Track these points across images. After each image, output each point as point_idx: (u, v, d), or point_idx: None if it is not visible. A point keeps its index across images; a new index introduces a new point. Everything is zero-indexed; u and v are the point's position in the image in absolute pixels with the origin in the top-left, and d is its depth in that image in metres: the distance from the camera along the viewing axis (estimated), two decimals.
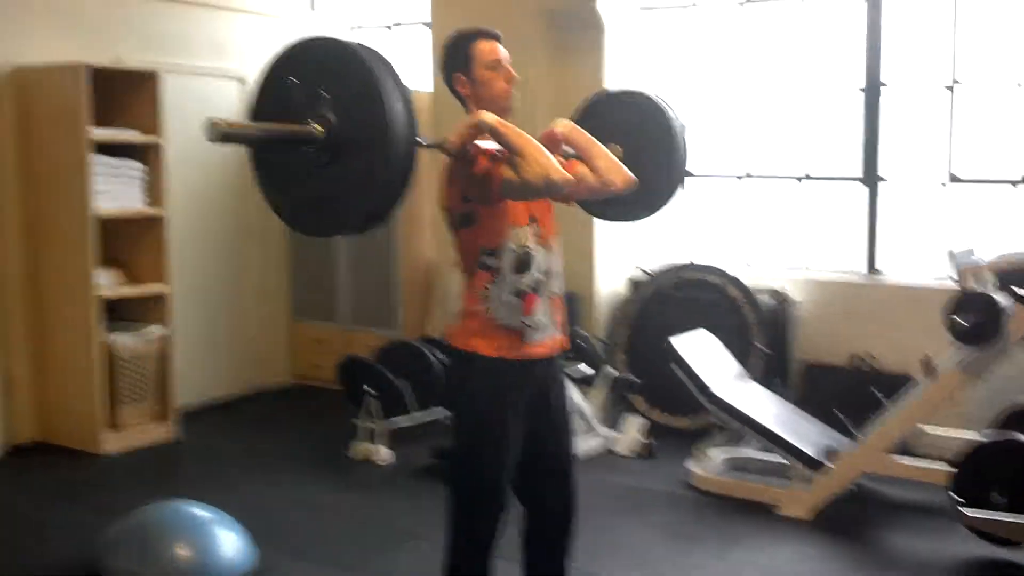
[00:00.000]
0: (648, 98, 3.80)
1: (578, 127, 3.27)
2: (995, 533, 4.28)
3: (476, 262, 3.11)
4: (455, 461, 3.28)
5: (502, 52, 3.19)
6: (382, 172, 2.72)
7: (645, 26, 6.96)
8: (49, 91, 5.87)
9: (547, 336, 3.22)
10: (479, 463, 3.18)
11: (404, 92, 2.73)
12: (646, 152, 3.65)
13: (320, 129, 2.73)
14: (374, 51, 2.78)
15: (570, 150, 3.24)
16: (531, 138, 2.99)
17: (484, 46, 3.17)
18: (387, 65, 2.75)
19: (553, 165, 2.95)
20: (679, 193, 3.90)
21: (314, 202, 2.85)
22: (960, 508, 3.92)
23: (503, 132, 2.97)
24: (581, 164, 3.21)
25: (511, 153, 2.96)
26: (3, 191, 5.93)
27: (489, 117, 2.99)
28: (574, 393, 5.78)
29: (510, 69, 3.19)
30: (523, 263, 3.13)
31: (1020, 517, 3.94)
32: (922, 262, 6.19)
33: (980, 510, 4.24)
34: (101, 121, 5.86)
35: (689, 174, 3.86)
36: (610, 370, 6.08)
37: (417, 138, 2.77)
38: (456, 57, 3.19)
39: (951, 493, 3.99)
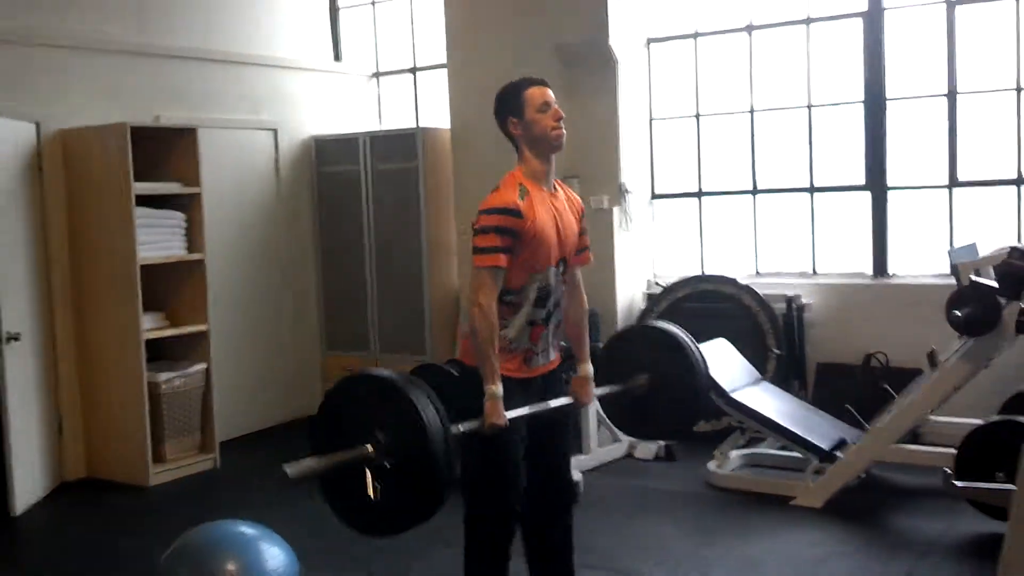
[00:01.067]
0: (668, 332, 4.06)
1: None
2: (987, 502, 4.47)
3: (498, 299, 3.46)
4: (473, 462, 3.57)
5: (551, 96, 3.58)
6: (429, 473, 3.10)
7: (654, 57, 7.28)
8: (94, 150, 6.27)
9: (548, 358, 3.66)
10: (494, 462, 3.51)
11: (435, 405, 3.12)
12: (669, 383, 3.96)
13: (372, 449, 3.14)
14: (407, 377, 3.23)
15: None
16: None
17: (534, 91, 3.57)
18: (419, 386, 3.16)
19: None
20: (703, 418, 4.33)
21: (378, 506, 3.20)
22: (951, 481, 4.13)
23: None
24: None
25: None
26: (52, 245, 6.33)
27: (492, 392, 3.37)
28: (598, 405, 6.05)
29: (558, 110, 3.56)
30: (542, 299, 3.55)
31: (1004, 485, 4.13)
32: (929, 262, 6.40)
33: (972, 483, 4.44)
34: (143, 176, 6.25)
35: (709, 405, 4.40)
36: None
37: (455, 430, 3.20)
38: (509, 103, 3.59)
39: (944, 469, 4.20)
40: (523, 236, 3.43)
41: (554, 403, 3.64)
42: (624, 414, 4.14)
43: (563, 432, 3.82)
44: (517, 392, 3.51)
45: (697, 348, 4.03)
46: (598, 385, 3.86)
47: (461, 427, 3.28)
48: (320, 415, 3.35)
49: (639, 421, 4.12)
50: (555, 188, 3.62)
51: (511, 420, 3.42)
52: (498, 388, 3.37)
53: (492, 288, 3.41)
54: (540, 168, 3.54)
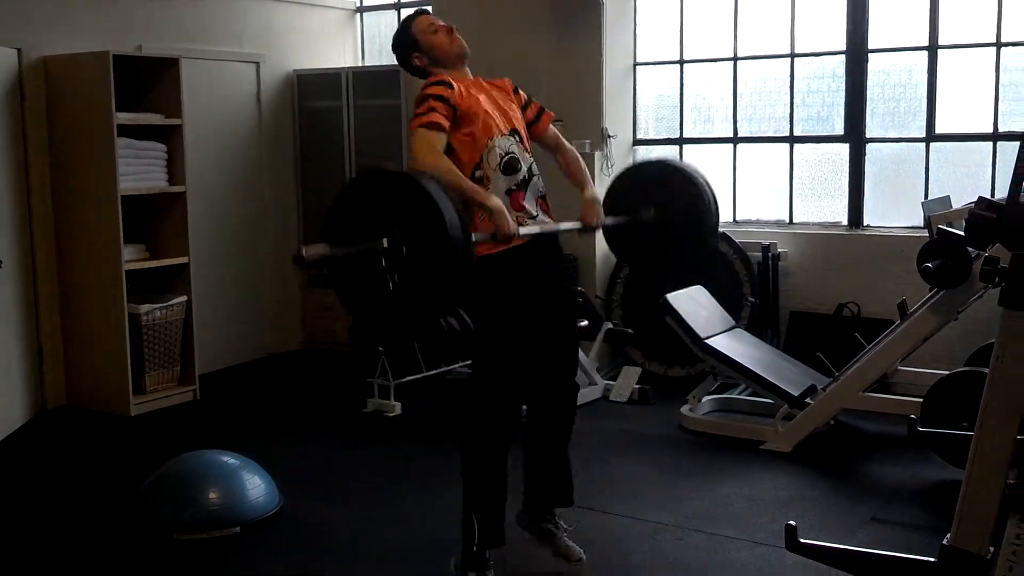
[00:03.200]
0: (679, 168, 4.11)
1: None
2: (949, 448, 4.62)
3: (469, 177, 3.54)
4: (477, 347, 3.70)
5: (434, 19, 3.80)
6: (444, 272, 3.07)
7: (640, 1, 7.28)
8: (76, 79, 6.24)
9: (537, 223, 3.68)
10: (498, 342, 3.62)
11: (455, 202, 3.10)
12: (678, 219, 3.96)
13: (387, 244, 3.08)
14: (426, 174, 3.20)
15: None
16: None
17: (420, 20, 3.79)
18: (439, 183, 3.12)
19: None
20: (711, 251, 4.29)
21: (388, 306, 3.18)
22: (916, 427, 4.25)
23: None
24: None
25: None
26: (34, 174, 6.32)
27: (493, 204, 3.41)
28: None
29: (446, 25, 3.76)
30: (510, 166, 3.64)
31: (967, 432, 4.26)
32: (904, 215, 6.49)
33: (935, 429, 4.57)
34: (125, 106, 6.23)
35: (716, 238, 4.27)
36: (607, 324, 6.45)
37: (471, 237, 3.15)
38: (403, 42, 3.80)
39: (910, 416, 4.32)
40: (460, 106, 3.55)
41: (564, 225, 3.71)
42: (629, 247, 4.13)
43: (572, 332, 3.88)
44: (512, 264, 3.57)
45: (707, 183, 4.02)
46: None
47: (474, 236, 3.23)
48: (334, 210, 3.27)
49: (643, 253, 4.12)
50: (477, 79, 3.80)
51: (514, 293, 3.56)
52: (495, 200, 3.43)
53: (432, 147, 3.45)
54: (456, 72, 3.70)
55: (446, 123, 3.51)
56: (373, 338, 5.91)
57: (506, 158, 3.61)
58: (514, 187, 3.62)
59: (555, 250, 3.84)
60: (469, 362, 3.62)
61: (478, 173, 3.58)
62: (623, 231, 4.01)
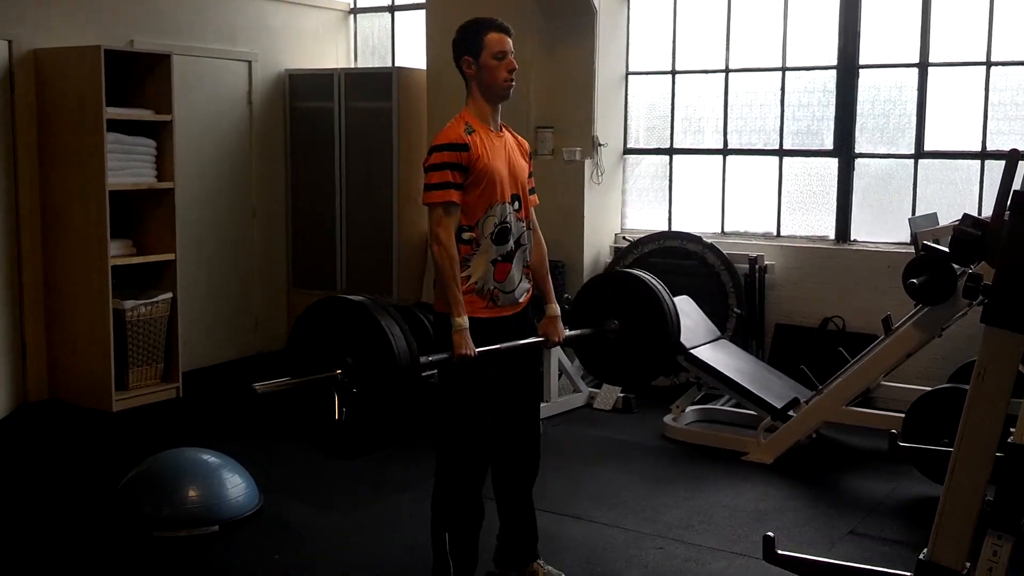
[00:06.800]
0: (642, 281, 4.10)
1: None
2: (929, 464, 4.63)
3: (456, 237, 3.53)
4: (446, 402, 3.65)
5: (509, 45, 3.62)
6: (393, 397, 3.22)
7: (633, 12, 7.31)
8: (67, 73, 6.22)
9: (518, 296, 3.69)
10: (466, 401, 3.60)
11: (405, 332, 3.20)
12: (640, 330, 4.02)
13: (341, 373, 3.25)
14: (376, 301, 3.30)
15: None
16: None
17: (495, 37, 3.60)
18: (389, 311, 3.25)
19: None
20: (669, 365, 4.41)
21: (344, 429, 3.31)
22: (896, 442, 4.25)
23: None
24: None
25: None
26: (22, 167, 6.28)
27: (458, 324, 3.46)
28: (559, 353, 6.15)
29: (513, 61, 3.62)
30: (502, 235, 3.60)
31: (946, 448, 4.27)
32: (891, 230, 6.51)
33: (916, 444, 4.58)
34: (116, 101, 6.22)
35: (677, 350, 4.43)
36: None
37: (421, 362, 3.26)
38: (468, 41, 3.62)
39: (891, 431, 4.32)
40: (472, 169, 3.50)
41: (523, 342, 3.71)
42: (594, 358, 4.21)
43: (535, 403, 3.89)
44: (487, 332, 3.56)
45: (670, 299, 4.08)
46: (572, 328, 3.95)
47: (430, 357, 3.37)
48: (293, 338, 3.44)
49: (608, 366, 4.19)
50: (501, 129, 3.70)
51: (481, 361, 3.49)
52: (463, 320, 3.45)
53: (449, 223, 3.49)
54: (487, 110, 3.63)
55: (459, 197, 3.50)
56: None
57: (498, 228, 3.58)
58: (499, 257, 3.60)
59: (531, 328, 3.82)
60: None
61: (468, 236, 3.54)
62: (587, 342, 4.10)
